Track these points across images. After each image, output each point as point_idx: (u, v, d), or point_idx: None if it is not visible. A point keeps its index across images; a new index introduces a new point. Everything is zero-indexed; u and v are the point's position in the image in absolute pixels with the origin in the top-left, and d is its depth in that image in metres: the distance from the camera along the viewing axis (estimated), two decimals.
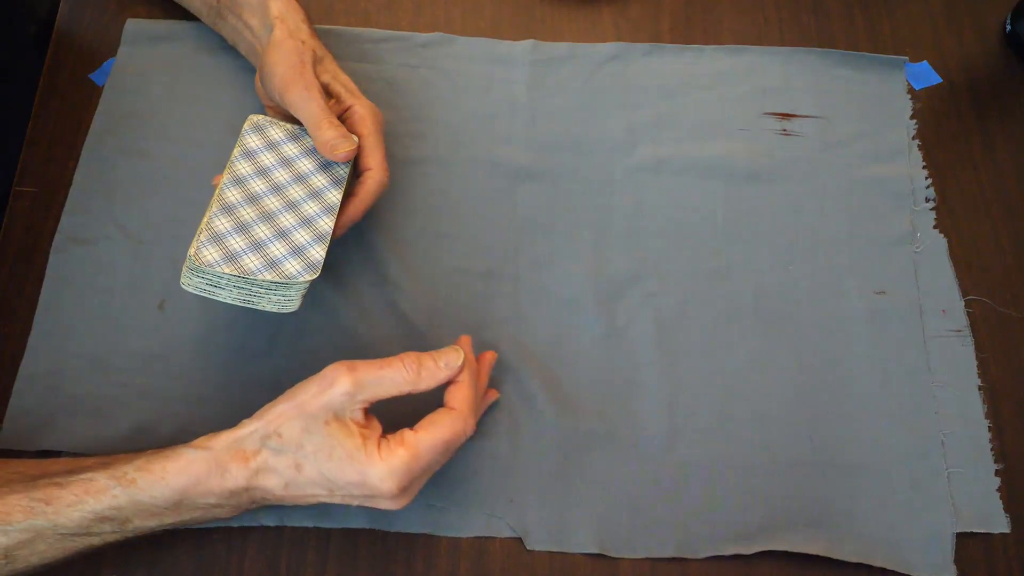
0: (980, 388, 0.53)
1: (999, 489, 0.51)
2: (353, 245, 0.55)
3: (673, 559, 0.49)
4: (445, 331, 0.54)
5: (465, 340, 0.49)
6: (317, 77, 0.51)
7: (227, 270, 0.44)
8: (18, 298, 0.54)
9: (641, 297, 0.55)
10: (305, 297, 0.46)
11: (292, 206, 0.48)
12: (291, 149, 0.51)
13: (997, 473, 0.51)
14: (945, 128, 0.62)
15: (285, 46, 0.51)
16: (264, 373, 0.52)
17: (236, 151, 0.50)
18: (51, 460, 0.44)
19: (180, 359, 0.52)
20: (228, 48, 0.61)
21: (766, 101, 0.62)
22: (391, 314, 0.54)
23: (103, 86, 0.60)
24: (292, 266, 0.45)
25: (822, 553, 0.48)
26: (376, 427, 0.43)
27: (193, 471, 0.41)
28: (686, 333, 0.54)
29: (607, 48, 0.63)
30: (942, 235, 0.58)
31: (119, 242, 0.55)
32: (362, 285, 0.55)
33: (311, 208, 0.49)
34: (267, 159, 0.50)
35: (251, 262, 0.45)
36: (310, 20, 0.54)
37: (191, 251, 0.44)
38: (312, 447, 0.41)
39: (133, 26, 0.62)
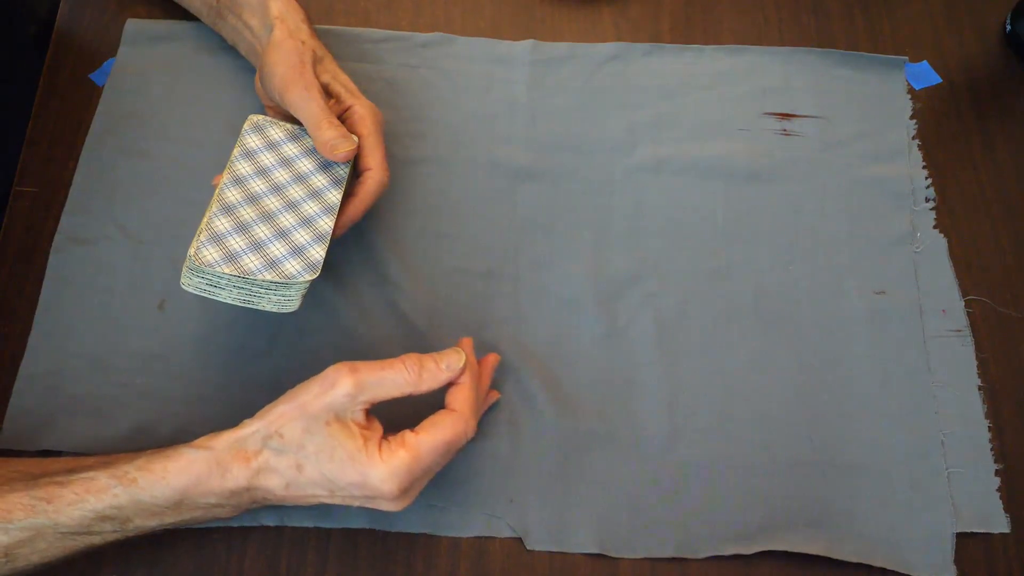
0: (980, 388, 0.53)
1: (999, 489, 0.51)
2: (353, 245, 0.55)
3: (673, 559, 0.49)
4: (445, 331, 0.54)
5: (467, 342, 0.49)
6: (317, 77, 0.51)
7: (227, 270, 0.44)
8: (18, 298, 0.54)
9: (641, 297, 0.55)
10: (305, 297, 0.46)
11: (292, 206, 0.48)
12: (291, 149, 0.51)
13: (997, 473, 0.51)
14: (945, 128, 0.62)
15: (285, 46, 0.51)
16: (264, 373, 0.52)
17: (236, 151, 0.50)
18: (52, 459, 0.44)
19: (180, 359, 0.52)
20: (228, 48, 0.61)
21: (766, 101, 0.62)
22: (391, 314, 0.54)
23: (103, 86, 0.60)
24: (292, 266, 0.45)
25: (822, 553, 0.48)
26: (377, 428, 0.43)
27: (194, 471, 0.41)
28: (686, 333, 0.54)
29: (607, 48, 0.63)
30: (942, 235, 0.58)
31: (119, 242, 0.55)
32: (362, 285, 0.55)
33: (311, 208, 0.49)
34: (267, 159, 0.50)
35: (251, 262, 0.45)
36: (310, 20, 0.54)
37: (191, 251, 0.44)
38: (313, 448, 0.41)
39: (133, 26, 0.62)
